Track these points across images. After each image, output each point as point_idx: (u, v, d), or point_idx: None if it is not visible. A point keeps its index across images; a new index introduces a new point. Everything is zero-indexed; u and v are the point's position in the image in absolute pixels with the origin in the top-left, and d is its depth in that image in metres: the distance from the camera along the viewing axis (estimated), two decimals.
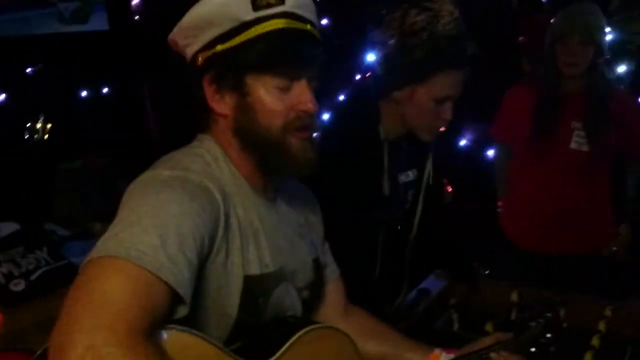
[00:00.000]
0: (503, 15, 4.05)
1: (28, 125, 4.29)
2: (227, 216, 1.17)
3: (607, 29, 3.46)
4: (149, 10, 4.66)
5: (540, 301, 1.81)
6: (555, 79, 2.69)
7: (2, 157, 3.81)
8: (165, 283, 0.97)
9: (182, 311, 1.03)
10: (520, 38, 3.99)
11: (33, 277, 2.56)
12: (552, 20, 2.77)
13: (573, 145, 2.69)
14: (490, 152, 3.80)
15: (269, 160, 1.25)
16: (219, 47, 1.20)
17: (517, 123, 2.82)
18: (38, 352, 1.00)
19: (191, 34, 1.22)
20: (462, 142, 4.03)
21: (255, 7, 1.18)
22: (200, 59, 1.23)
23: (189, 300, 1.02)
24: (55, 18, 4.40)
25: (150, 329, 0.93)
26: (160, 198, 1.07)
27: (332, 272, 1.54)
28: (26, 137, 4.30)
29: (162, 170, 1.15)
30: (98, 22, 4.55)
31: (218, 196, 1.16)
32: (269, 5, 1.19)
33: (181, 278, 1.00)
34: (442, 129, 1.93)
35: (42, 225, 2.99)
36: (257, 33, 1.19)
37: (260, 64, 1.20)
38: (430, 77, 1.78)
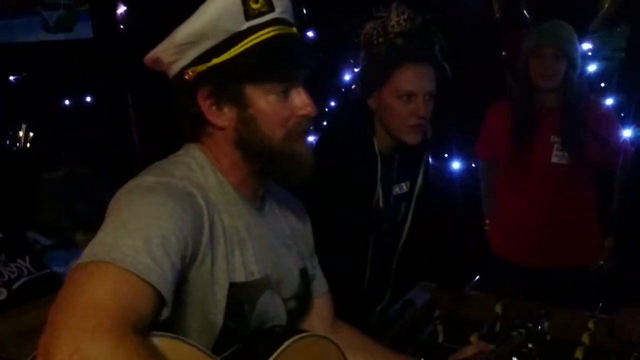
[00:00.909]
0: (487, 31, 4.09)
1: (10, 133, 4.25)
2: (211, 222, 1.17)
3: (589, 46, 3.54)
4: (134, 19, 4.65)
5: (524, 313, 1.82)
6: (530, 93, 2.74)
7: None
8: (149, 284, 0.97)
9: (164, 313, 1.03)
10: (503, 52, 4.04)
11: (15, 286, 2.52)
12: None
13: (554, 160, 2.73)
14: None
15: (275, 169, 1.26)
16: (215, 60, 1.20)
17: (498, 140, 2.86)
18: None
19: (181, 49, 1.21)
20: (447, 155, 4.05)
21: (248, 16, 1.19)
22: (190, 73, 1.22)
23: (170, 301, 1.02)
24: (39, 26, 4.37)
25: (136, 327, 0.93)
26: (144, 202, 1.08)
27: (321, 285, 1.54)
28: (8, 145, 4.26)
29: (146, 177, 1.16)
30: (82, 31, 4.53)
31: (202, 202, 1.16)
32: (260, 14, 1.20)
33: (164, 279, 1.00)
34: (429, 134, 1.98)
35: (24, 233, 2.95)
36: (252, 43, 1.19)
37: (258, 73, 1.20)
38: (390, 76, 1.87)
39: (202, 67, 1.21)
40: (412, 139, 1.92)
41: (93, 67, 4.43)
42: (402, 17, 1.87)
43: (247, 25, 1.19)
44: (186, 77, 1.22)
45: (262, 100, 1.22)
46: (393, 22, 1.85)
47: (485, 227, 3.07)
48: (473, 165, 3.84)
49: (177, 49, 1.21)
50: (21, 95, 4.24)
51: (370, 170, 1.93)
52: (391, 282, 2.18)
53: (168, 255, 1.02)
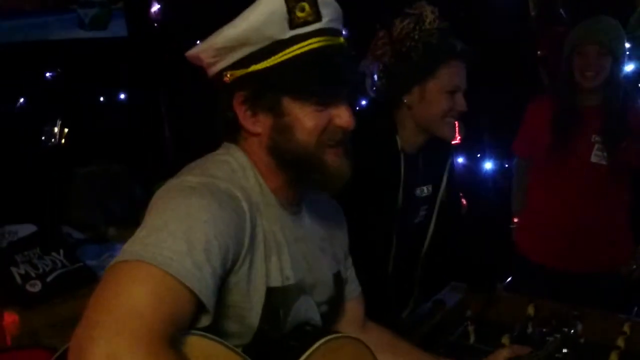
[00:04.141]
0: (521, 29, 4.03)
1: (45, 129, 4.31)
2: (253, 226, 1.15)
3: (627, 45, 3.46)
4: (168, 17, 4.69)
5: (557, 315, 1.80)
6: (572, 91, 2.67)
7: (19, 161, 3.84)
8: (191, 291, 0.96)
9: (205, 320, 1.02)
10: (539, 51, 3.98)
11: (49, 279, 2.58)
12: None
13: (593, 159, 2.66)
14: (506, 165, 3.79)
15: (306, 177, 1.23)
16: (254, 67, 1.16)
17: (537, 137, 2.80)
18: (59, 352, 1.00)
19: (221, 52, 1.18)
20: (479, 155, 4.01)
21: (292, 25, 1.15)
22: (228, 76, 1.19)
23: (212, 310, 1.01)
24: (74, 24, 4.43)
25: (173, 336, 0.92)
26: (188, 203, 1.05)
27: (354, 289, 1.52)
28: (43, 141, 4.33)
29: (189, 177, 1.13)
30: (117, 29, 4.58)
31: (245, 205, 1.14)
32: (305, 23, 1.15)
33: (206, 286, 0.99)
34: (456, 139, 1.97)
35: (59, 227, 3.01)
36: (294, 54, 1.15)
37: (297, 87, 1.17)
38: (436, 71, 1.86)
39: (240, 72, 1.18)
40: (449, 133, 1.93)
41: (127, 64, 4.48)
42: (435, 15, 1.87)
43: (290, 34, 1.15)
44: (225, 79, 1.20)
45: (299, 110, 1.18)
46: (430, 19, 1.84)
47: (512, 226, 3.03)
48: (506, 165, 3.80)
49: (217, 52, 1.18)
50: (56, 92, 4.31)
51: (393, 168, 1.92)
52: (415, 288, 2.16)
53: (209, 261, 1.00)
